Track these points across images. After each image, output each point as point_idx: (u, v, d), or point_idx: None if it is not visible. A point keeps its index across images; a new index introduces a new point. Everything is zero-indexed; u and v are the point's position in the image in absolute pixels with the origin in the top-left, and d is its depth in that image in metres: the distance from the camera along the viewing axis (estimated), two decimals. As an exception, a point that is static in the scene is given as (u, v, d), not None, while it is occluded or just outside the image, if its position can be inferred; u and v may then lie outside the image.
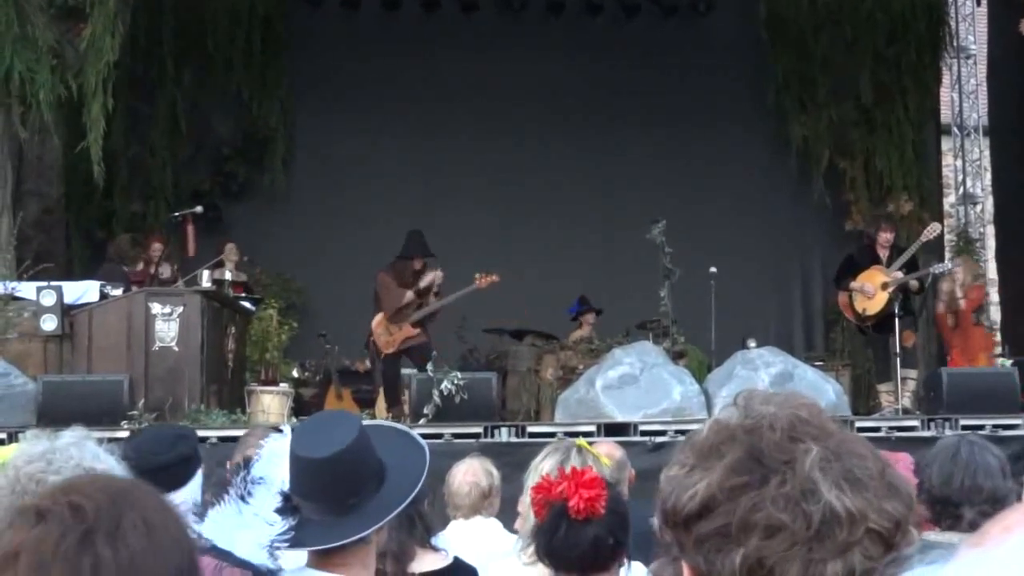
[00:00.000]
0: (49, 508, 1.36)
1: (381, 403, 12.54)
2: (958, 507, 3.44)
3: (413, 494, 2.72)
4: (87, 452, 2.15)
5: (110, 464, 2.16)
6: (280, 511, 2.67)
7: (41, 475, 2.08)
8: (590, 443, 4.30)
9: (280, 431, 2.90)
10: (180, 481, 3.62)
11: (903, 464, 3.87)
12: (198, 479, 3.76)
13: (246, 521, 2.73)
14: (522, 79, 15.81)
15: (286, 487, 2.70)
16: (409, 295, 11.79)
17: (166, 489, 3.36)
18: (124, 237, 12.32)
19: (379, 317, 11.96)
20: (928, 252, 12.61)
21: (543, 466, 3.78)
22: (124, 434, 8.95)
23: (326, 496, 2.66)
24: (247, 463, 2.88)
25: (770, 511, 1.27)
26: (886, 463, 1.34)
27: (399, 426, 3.02)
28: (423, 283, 11.84)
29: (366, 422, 2.88)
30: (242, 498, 2.76)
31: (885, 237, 12.12)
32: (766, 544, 1.27)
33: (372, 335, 11.98)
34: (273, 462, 2.80)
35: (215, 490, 3.03)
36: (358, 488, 2.67)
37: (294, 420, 9.87)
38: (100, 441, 2.28)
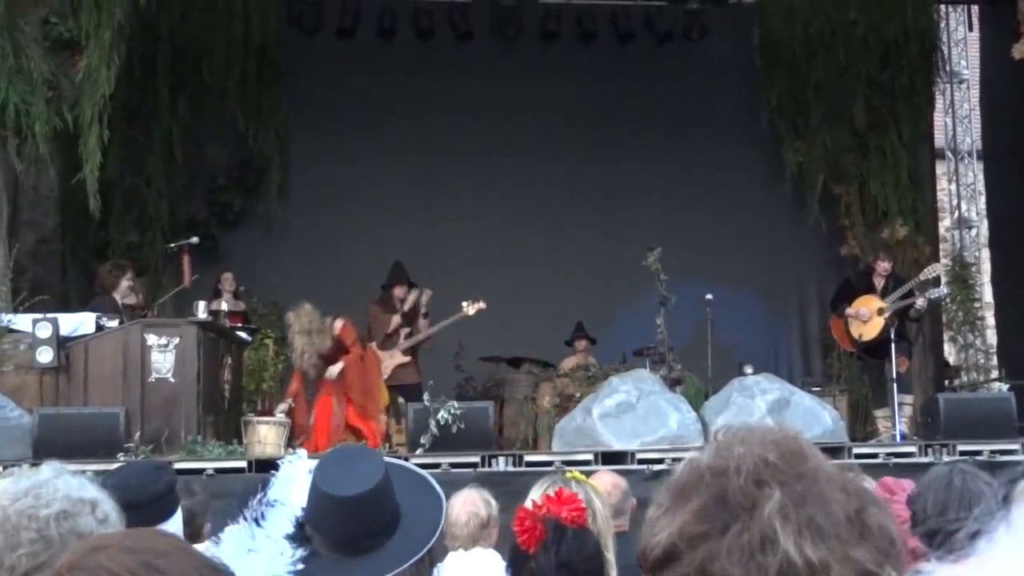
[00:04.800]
0: None
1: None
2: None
3: (429, 545, 2.70)
4: (72, 484, 2.14)
5: (95, 494, 2.15)
6: (291, 538, 2.65)
7: (32, 511, 2.06)
8: (588, 473, 4.30)
9: (296, 454, 2.90)
10: (170, 511, 3.63)
11: (902, 494, 3.85)
12: (180, 509, 3.78)
13: (258, 544, 2.71)
14: (517, 107, 15.84)
15: (300, 513, 2.69)
16: (396, 319, 12.18)
17: (159, 519, 3.37)
18: (105, 266, 12.29)
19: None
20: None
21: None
22: (120, 465, 8.96)
23: (342, 533, 2.65)
24: (264, 485, 2.87)
25: (724, 563, 1.22)
26: (866, 502, 1.27)
27: (417, 469, 3.00)
28: (407, 305, 12.05)
29: (385, 459, 2.87)
30: (256, 521, 2.75)
31: (883, 267, 12.16)
32: None
33: None
34: (288, 485, 2.79)
35: (233, 511, 3.02)
36: (375, 531, 2.65)
37: (290, 450, 9.85)
38: (84, 472, 2.27)
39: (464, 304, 12.15)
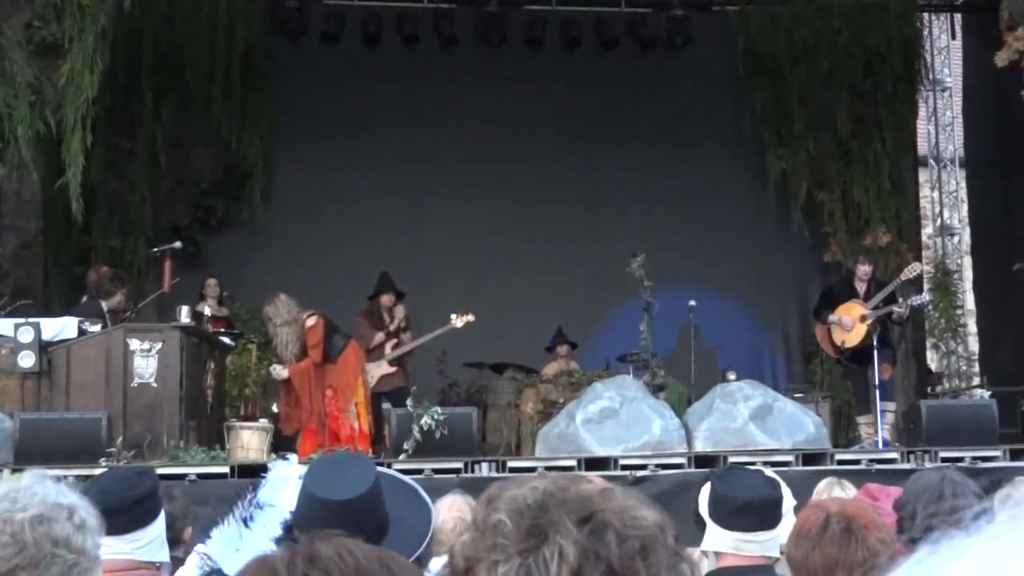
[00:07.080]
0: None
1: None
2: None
3: (416, 555, 2.69)
4: (50, 489, 2.14)
5: (73, 500, 2.14)
6: (278, 541, 2.65)
7: (8, 515, 2.06)
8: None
9: (287, 458, 2.89)
10: (153, 514, 3.62)
11: (886, 499, 3.84)
12: (163, 513, 3.78)
13: (244, 544, 2.71)
14: (501, 113, 15.85)
15: (289, 516, 2.68)
16: (379, 336, 12.14)
17: (142, 523, 3.35)
18: (104, 272, 12.25)
19: None
20: (906, 283, 12.66)
21: None
22: (103, 471, 8.92)
23: None
24: (255, 486, 2.86)
25: None
26: None
27: (407, 479, 2.99)
28: (393, 325, 12.19)
29: (377, 469, 2.85)
30: (244, 521, 2.74)
31: (863, 270, 12.17)
32: None
33: None
34: (279, 488, 2.78)
35: (223, 510, 3.01)
36: (363, 537, 2.65)
37: (273, 456, 9.84)
38: (65, 477, 2.27)
39: (452, 316, 12.16)
